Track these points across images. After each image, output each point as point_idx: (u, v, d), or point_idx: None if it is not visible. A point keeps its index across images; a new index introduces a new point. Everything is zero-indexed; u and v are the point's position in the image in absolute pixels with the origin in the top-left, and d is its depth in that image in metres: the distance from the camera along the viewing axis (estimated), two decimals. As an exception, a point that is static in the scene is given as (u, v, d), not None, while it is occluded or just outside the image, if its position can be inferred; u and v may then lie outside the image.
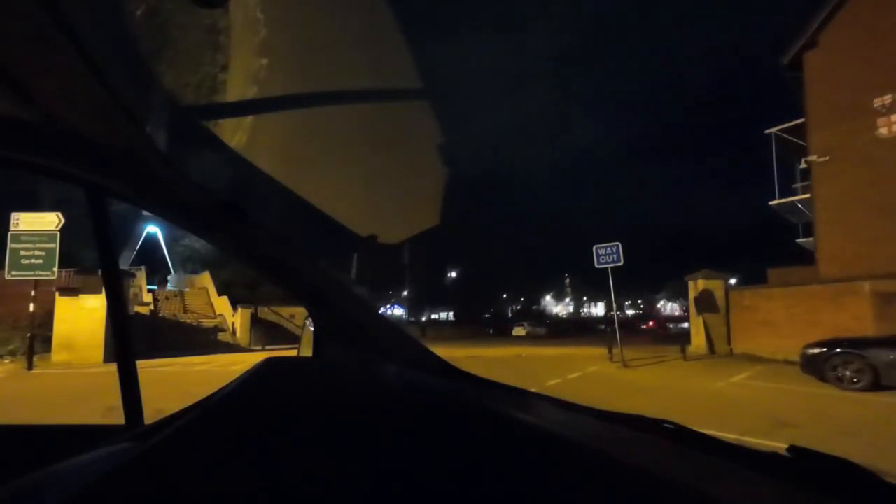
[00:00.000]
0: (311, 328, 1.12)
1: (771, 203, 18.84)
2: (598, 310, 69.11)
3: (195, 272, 30.40)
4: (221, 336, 21.61)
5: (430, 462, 0.59)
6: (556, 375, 10.20)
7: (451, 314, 59.07)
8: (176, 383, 8.85)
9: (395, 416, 0.69)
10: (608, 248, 13.40)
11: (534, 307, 69.52)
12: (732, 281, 19.23)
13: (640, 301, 72.21)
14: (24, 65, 0.68)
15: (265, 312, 23.18)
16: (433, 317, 57.40)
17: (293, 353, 1.26)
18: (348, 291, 1.01)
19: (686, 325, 20.13)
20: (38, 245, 12.25)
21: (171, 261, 33.97)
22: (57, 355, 13.20)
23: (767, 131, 18.40)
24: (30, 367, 11.86)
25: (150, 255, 31.35)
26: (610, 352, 13.28)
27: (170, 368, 11.64)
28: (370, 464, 0.58)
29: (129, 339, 1.11)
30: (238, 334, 21.91)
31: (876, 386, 7.99)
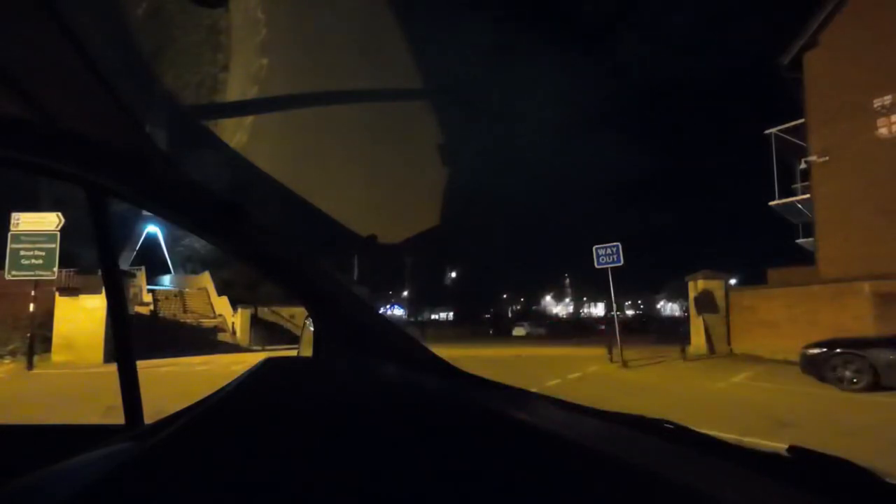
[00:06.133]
0: (311, 328, 1.12)
1: (771, 203, 18.84)
2: (598, 310, 69.03)
3: (195, 272, 30.39)
4: (221, 336, 21.59)
5: (430, 462, 0.59)
6: (556, 375, 10.20)
7: (451, 314, 59.04)
8: (176, 383, 8.84)
9: (394, 416, 0.69)
10: (608, 249, 13.40)
11: (534, 307, 69.48)
12: (732, 281, 19.22)
13: (640, 301, 72.15)
14: (25, 65, 0.68)
15: (265, 312, 23.16)
16: (433, 317, 57.35)
17: (293, 353, 1.26)
18: (348, 291, 1.01)
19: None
20: (38, 245, 12.24)
21: (170, 261, 33.95)
22: (57, 355, 13.18)
23: (767, 131, 18.39)
24: (30, 366, 11.85)
25: (150, 255, 31.32)
26: (610, 352, 13.27)
27: (170, 368, 11.63)
28: (370, 464, 0.58)
29: (130, 339, 1.11)
30: (238, 334, 21.90)
31: (876, 386, 7.98)
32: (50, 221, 12.40)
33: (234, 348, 19.70)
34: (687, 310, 18.80)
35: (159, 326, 19.26)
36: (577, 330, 41.41)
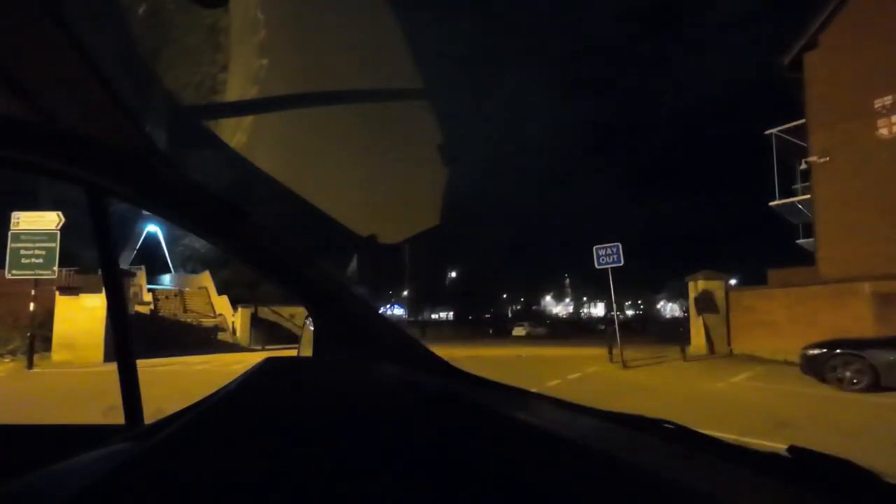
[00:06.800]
0: (311, 328, 1.12)
1: (771, 204, 18.85)
2: (598, 310, 69.03)
3: (195, 272, 30.41)
4: (221, 336, 21.62)
5: (430, 462, 0.59)
6: (556, 376, 10.21)
7: (451, 314, 59.06)
8: (176, 383, 8.85)
9: (394, 416, 0.69)
10: (608, 249, 13.40)
11: (534, 307, 69.47)
12: (733, 281, 19.25)
13: (640, 301, 72.13)
14: (26, 65, 0.68)
15: (265, 312, 23.18)
16: (433, 317, 57.35)
17: (293, 353, 1.26)
18: (348, 291, 1.01)
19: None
20: (38, 244, 12.25)
21: (171, 261, 33.97)
22: (57, 355, 13.20)
23: (768, 132, 18.40)
24: (30, 366, 11.86)
25: (150, 255, 31.34)
26: (610, 352, 13.28)
27: (170, 368, 11.64)
28: (370, 464, 0.58)
29: (130, 339, 1.11)
30: (238, 334, 21.92)
31: (876, 387, 7.99)
32: (50, 220, 12.41)
33: (234, 348, 19.73)
34: (687, 310, 18.81)
35: (159, 326, 19.29)
36: (577, 330, 41.45)
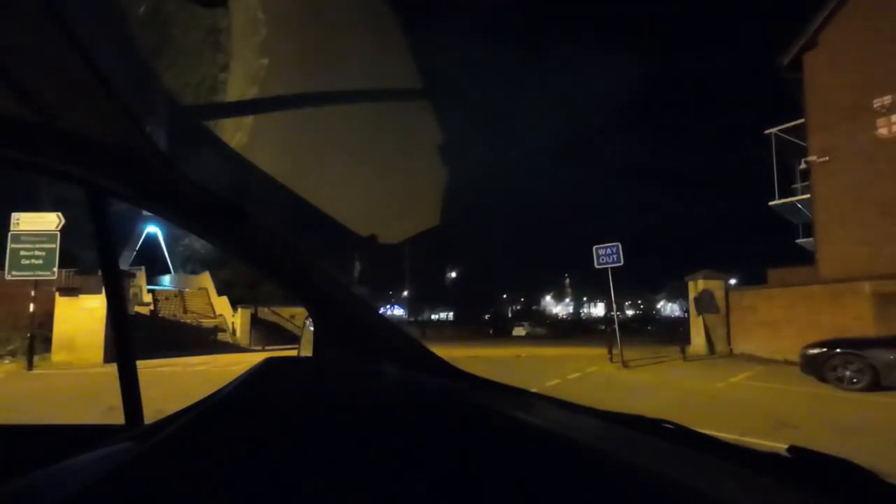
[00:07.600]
0: (311, 328, 1.12)
1: (771, 203, 18.86)
2: (598, 310, 69.01)
3: (195, 272, 30.40)
4: (221, 336, 21.61)
5: (431, 461, 0.59)
6: (556, 376, 10.20)
7: (451, 314, 59.05)
8: (176, 384, 8.85)
9: (394, 415, 0.69)
10: (608, 249, 13.39)
11: (534, 307, 69.46)
12: (732, 281, 19.25)
13: (640, 301, 72.14)
14: (25, 65, 0.68)
15: (265, 312, 23.19)
16: (433, 317, 57.35)
17: (293, 353, 1.26)
18: (348, 291, 1.01)
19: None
20: (38, 245, 12.24)
21: (170, 261, 33.95)
22: (57, 355, 13.19)
23: (767, 131, 18.41)
24: (30, 367, 11.85)
25: (150, 255, 31.32)
26: (610, 352, 13.27)
27: (170, 368, 11.64)
28: (370, 463, 0.58)
29: (130, 339, 1.11)
30: (238, 334, 21.91)
31: (876, 386, 7.99)
32: (50, 221, 12.40)
33: (234, 348, 19.72)
34: (687, 310, 18.82)
35: (159, 326, 19.28)
36: (577, 330, 41.49)
